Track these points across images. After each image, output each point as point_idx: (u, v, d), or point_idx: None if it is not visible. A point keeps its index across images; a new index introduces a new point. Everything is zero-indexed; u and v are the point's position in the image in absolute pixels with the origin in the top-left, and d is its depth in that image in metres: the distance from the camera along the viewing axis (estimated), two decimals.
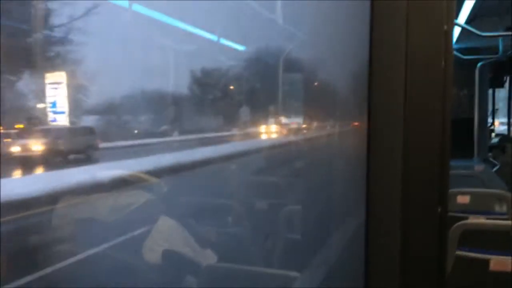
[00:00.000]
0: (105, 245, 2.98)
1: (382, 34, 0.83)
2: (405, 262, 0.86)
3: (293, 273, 1.64)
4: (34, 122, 6.63)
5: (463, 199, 3.18)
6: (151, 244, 2.11)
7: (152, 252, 2.09)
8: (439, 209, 0.86)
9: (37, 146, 6.45)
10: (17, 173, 6.46)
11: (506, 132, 8.32)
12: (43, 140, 6.61)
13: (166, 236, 2.16)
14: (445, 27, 0.82)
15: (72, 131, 7.26)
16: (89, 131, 7.70)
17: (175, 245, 2.16)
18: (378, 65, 0.84)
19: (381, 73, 0.84)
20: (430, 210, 0.86)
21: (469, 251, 2.30)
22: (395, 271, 0.87)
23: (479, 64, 5.99)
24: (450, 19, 0.83)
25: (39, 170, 6.82)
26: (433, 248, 0.87)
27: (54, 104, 6.17)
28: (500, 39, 5.26)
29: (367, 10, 0.83)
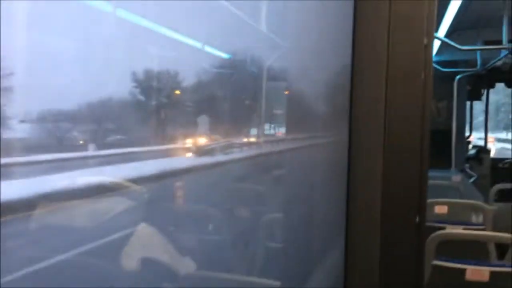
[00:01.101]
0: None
1: (364, 46, 0.84)
2: (383, 270, 0.87)
3: (274, 282, 1.63)
4: None
5: (441, 209, 3.22)
6: (129, 251, 2.08)
7: (130, 259, 2.06)
8: (417, 219, 0.87)
9: None
10: None
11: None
12: None
13: (145, 243, 2.13)
14: (425, 40, 0.84)
15: None
16: None
17: (153, 252, 2.13)
18: (360, 77, 0.85)
19: (362, 84, 0.85)
20: (409, 220, 0.87)
21: (446, 260, 2.33)
22: (374, 279, 0.87)
23: (457, 77, 6.10)
24: (430, 33, 0.85)
25: None
26: (411, 257, 0.88)
27: None
28: (478, 53, 5.37)
29: (350, 23, 0.84)
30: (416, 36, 0.83)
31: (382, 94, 0.83)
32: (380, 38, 0.83)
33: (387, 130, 0.85)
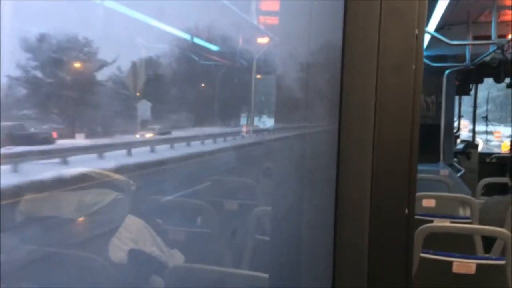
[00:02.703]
0: None
1: (355, 35, 0.83)
2: (372, 262, 0.87)
3: (262, 274, 1.63)
4: None
5: (429, 203, 3.25)
6: (117, 243, 2.07)
7: (118, 251, 2.05)
8: (406, 211, 0.87)
9: None
10: None
11: None
12: None
13: (134, 235, 2.12)
14: (417, 31, 0.84)
15: None
16: None
17: (142, 245, 2.12)
18: (350, 67, 0.84)
19: (353, 75, 0.85)
20: (398, 212, 0.87)
21: (434, 253, 2.35)
22: (362, 271, 0.87)
23: (446, 72, 6.13)
24: (421, 24, 0.85)
25: None
26: (400, 249, 0.88)
27: None
28: (467, 48, 5.40)
29: (340, 12, 0.83)
30: (408, 26, 0.83)
31: (372, 85, 0.83)
32: (371, 27, 0.82)
33: (377, 122, 0.84)
